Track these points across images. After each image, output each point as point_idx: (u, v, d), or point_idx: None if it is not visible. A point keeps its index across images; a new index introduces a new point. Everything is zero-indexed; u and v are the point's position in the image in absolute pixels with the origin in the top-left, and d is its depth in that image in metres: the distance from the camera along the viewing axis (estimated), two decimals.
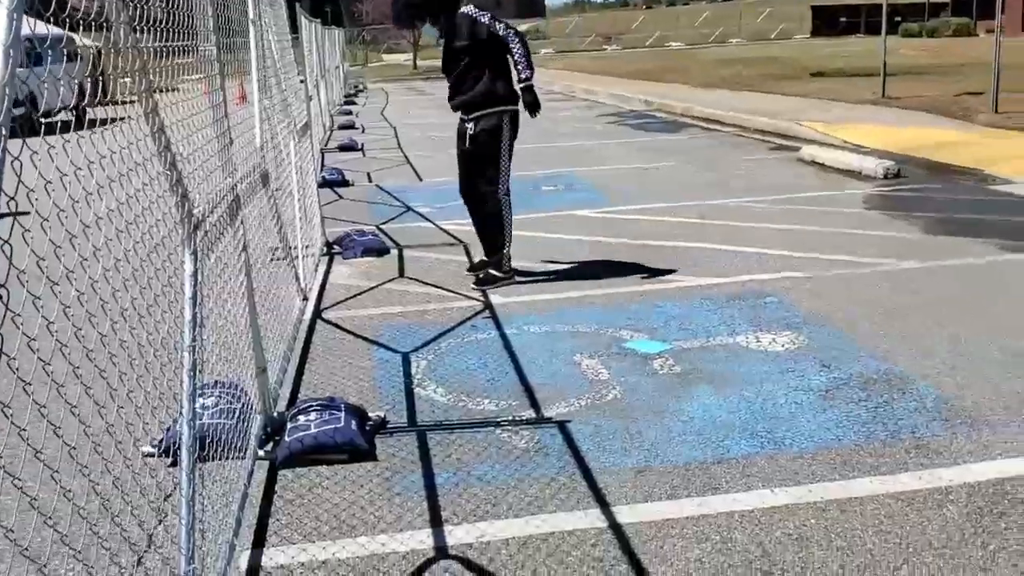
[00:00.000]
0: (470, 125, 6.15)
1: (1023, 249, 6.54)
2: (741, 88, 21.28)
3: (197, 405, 2.71)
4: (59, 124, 2.29)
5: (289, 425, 3.85)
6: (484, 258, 6.40)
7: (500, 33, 5.96)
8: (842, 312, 5.35)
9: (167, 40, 2.93)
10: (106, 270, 2.06)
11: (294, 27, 12.71)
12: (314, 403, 3.98)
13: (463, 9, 6.04)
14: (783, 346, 4.86)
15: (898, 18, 49.81)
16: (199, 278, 2.73)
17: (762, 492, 3.37)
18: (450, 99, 6.29)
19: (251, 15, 5.12)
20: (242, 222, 3.79)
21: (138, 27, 2.46)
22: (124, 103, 2.73)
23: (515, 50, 5.94)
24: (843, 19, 55.54)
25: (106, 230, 2.19)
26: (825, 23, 55.69)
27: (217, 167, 3.46)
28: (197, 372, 2.59)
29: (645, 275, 6.33)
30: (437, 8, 6.16)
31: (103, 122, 2.39)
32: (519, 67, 5.97)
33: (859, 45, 37.36)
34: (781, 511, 3.23)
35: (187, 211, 2.69)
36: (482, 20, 5.97)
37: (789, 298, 5.65)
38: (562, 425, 4.02)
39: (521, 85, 6.05)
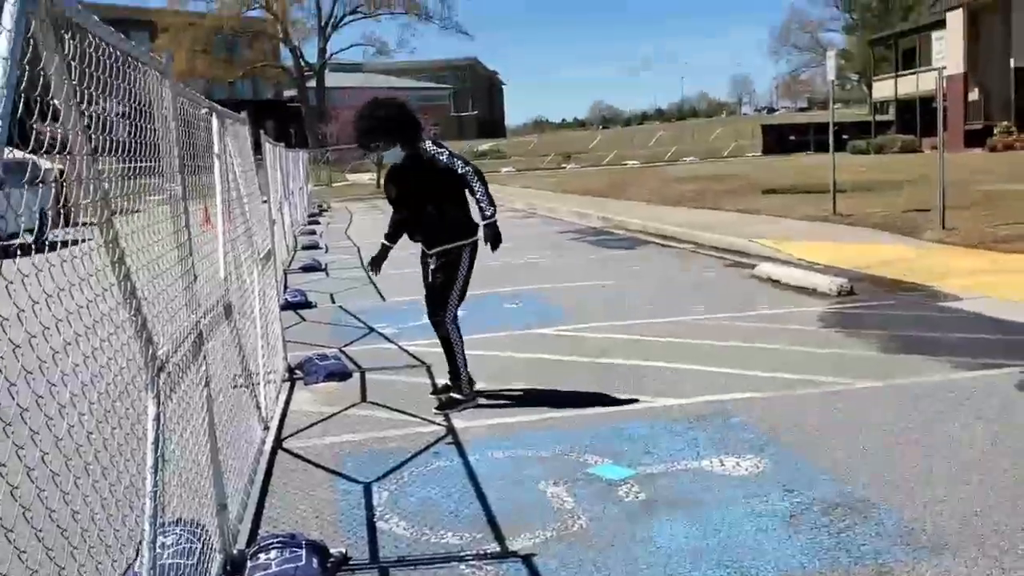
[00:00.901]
0: (432, 259, 6.28)
1: (974, 367, 6.68)
2: (695, 205, 21.83)
3: (157, 545, 2.66)
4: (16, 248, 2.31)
5: (249, 564, 3.77)
6: (447, 382, 6.41)
7: (459, 171, 6.11)
8: (803, 434, 5.40)
9: (131, 163, 2.99)
10: (70, 426, 2.06)
11: (258, 150, 12.95)
12: (275, 540, 3.91)
13: (422, 145, 6.18)
14: (747, 470, 4.88)
15: (845, 136, 51.74)
16: (162, 420, 2.72)
17: None
18: (410, 234, 6.40)
19: (216, 149, 5.23)
20: (204, 357, 3.79)
21: (100, 156, 2.52)
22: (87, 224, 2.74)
23: (476, 189, 6.10)
24: (792, 137, 57.53)
25: (71, 385, 2.19)
26: (775, 141, 57.63)
27: (182, 305, 3.48)
28: (158, 518, 2.55)
29: (607, 396, 6.36)
30: (397, 137, 6.20)
31: (64, 244, 2.43)
32: (481, 205, 6.11)
33: (809, 162, 38.65)
34: None
35: (151, 354, 2.70)
36: (440, 157, 6.12)
37: (751, 419, 5.71)
38: (527, 559, 3.97)
39: (484, 223, 6.16)
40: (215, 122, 5.47)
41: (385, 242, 6.59)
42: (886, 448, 5.09)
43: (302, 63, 71.13)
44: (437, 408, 6.20)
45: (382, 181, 6.21)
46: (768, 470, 4.85)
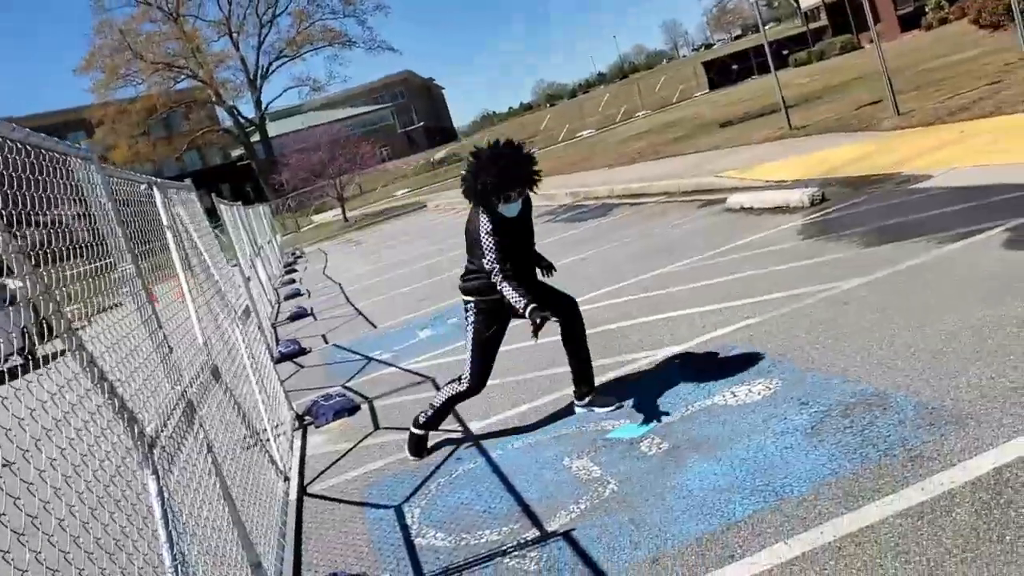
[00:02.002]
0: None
1: (956, 238, 6.69)
2: (657, 156, 21.83)
3: None
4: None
5: None
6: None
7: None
8: (805, 346, 5.41)
9: (95, 261, 2.98)
10: (74, 535, 2.04)
11: (213, 215, 12.91)
12: None
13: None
14: (760, 394, 4.89)
15: (785, 51, 51.81)
16: (166, 495, 2.70)
17: (776, 548, 3.34)
18: (522, 277, 5.19)
19: (165, 222, 5.20)
20: (200, 424, 3.77)
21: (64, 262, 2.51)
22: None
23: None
24: (735, 67, 57.52)
25: (65, 481, 2.17)
26: (719, 75, 57.61)
27: (162, 379, 3.46)
28: None
29: (609, 362, 6.35)
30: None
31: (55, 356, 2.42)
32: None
33: (756, 87, 38.68)
34: (799, 562, 3.20)
35: (138, 433, 2.68)
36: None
37: (753, 346, 5.71)
38: (567, 535, 3.97)
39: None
40: (158, 195, 5.44)
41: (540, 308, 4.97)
42: (889, 339, 5.09)
43: (241, 120, 70.85)
44: (603, 406, 5.50)
45: (490, 230, 5.07)
46: (780, 390, 4.85)
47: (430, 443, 5.69)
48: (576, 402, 5.61)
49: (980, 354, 4.47)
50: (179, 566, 2.55)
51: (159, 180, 5.68)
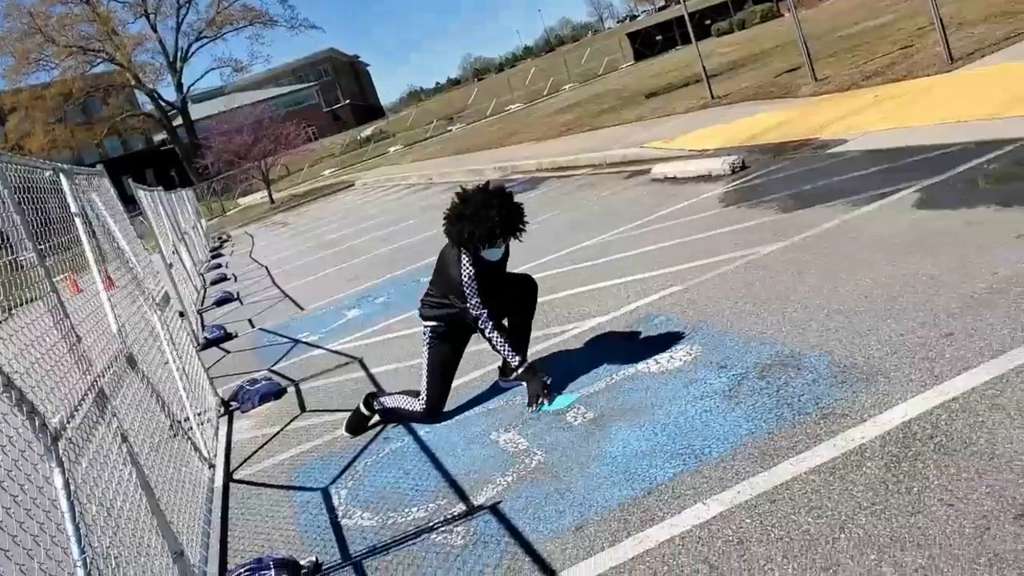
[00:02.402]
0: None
1: (871, 199, 6.85)
2: (584, 129, 21.90)
3: None
4: None
5: None
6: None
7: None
8: (724, 312, 5.49)
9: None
10: None
11: (127, 201, 12.60)
12: (242, 569, 3.85)
13: None
14: (681, 360, 4.95)
15: (707, 21, 52.30)
16: (72, 488, 2.63)
17: (696, 508, 3.40)
18: (498, 319, 5.16)
19: (74, 209, 5.05)
20: (114, 414, 3.68)
21: None
22: None
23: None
24: (659, 38, 57.91)
25: None
26: (644, 46, 57.95)
27: (70, 368, 3.36)
28: None
29: (537, 334, 6.37)
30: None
31: None
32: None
33: (680, 57, 38.99)
34: (717, 521, 3.26)
35: (40, 425, 2.60)
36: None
37: (674, 313, 5.78)
38: (494, 508, 3.98)
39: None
40: (64, 182, 5.27)
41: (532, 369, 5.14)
42: (804, 301, 5.20)
43: (163, 104, 69.09)
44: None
45: (472, 274, 4.99)
46: (700, 355, 4.92)
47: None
48: (501, 380, 5.63)
49: (891, 312, 4.59)
50: (88, 559, 2.49)
51: (65, 167, 5.51)
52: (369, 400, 5.61)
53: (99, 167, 7.28)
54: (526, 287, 5.48)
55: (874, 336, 4.37)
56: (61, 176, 5.32)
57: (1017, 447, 3.10)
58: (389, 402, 5.54)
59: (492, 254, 5.06)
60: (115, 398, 3.89)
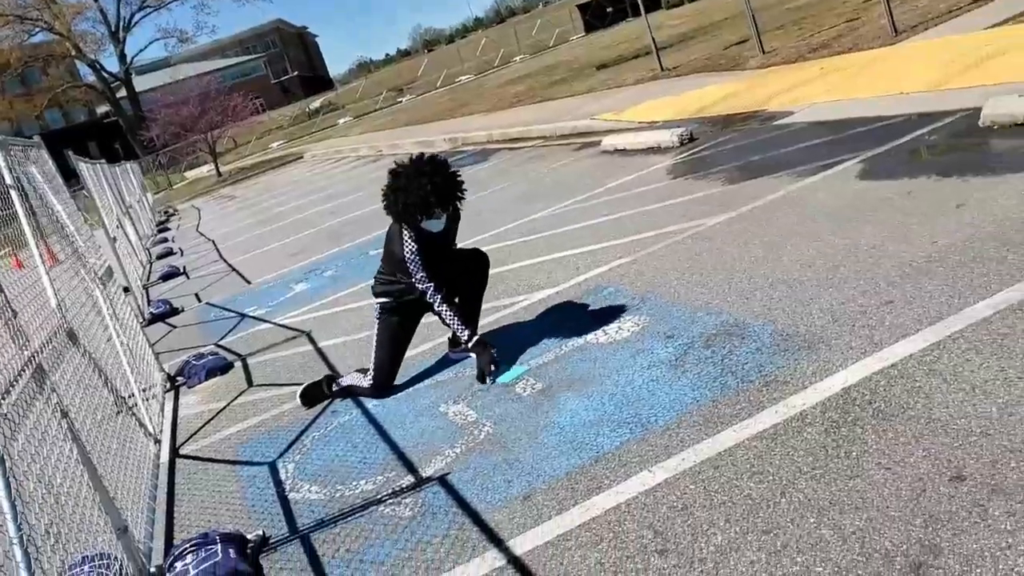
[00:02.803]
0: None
1: (815, 171, 6.93)
2: (535, 100, 21.85)
3: None
4: None
5: None
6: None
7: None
8: (671, 282, 5.53)
9: None
10: None
11: (69, 175, 12.31)
12: (188, 545, 3.82)
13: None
14: (629, 331, 4.98)
15: None
16: (8, 464, 2.58)
17: (641, 476, 3.44)
18: (449, 292, 5.16)
19: (8, 181, 4.92)
20: (53, 390, 3.61)
21: None
22: None
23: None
24: (609, 9, 57.81)
25: None
26: (595, 18, 57.85)
27: (5, 343, 3.29)
28: (33, 563, 2.44)
29: (486, 306, 6.36)
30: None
31: None
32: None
33: (630, 29, 38.99)
34: (662, 488, 3.30)
35: None
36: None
37: (624, 285, 5.81)
38: (442, 480, 3.99)
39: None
40: None
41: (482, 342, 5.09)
42: (749, 271, 5.26)
43: (105, 75, 67.41)
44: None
45: (415, 249, 4.94)
46: (648, 326, 4.96)
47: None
48: (451, 352, 5.62)
49: (832, 281, 4.67)
50: (24, 536, 2.45)
51: (1, 137, 5.36)
52: (329, 382, 5.57)
53: (36, 138, 7.09)
54: (477, 261, 5.47)
55: (816, 305, 4.44)
56: None
57: (952, 411, 3.17)
58: (344, 381, 5.53)
59: (432, 225, 4.98)
60: (54, 374, 3.81)
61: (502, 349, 5.31)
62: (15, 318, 3.53)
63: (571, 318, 5.54)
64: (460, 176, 5.04)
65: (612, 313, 5.35)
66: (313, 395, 5.57)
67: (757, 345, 4.21)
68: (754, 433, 3.44)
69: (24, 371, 3.25)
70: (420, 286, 5.00)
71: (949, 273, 4.29)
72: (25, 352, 3.45)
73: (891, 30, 11.50)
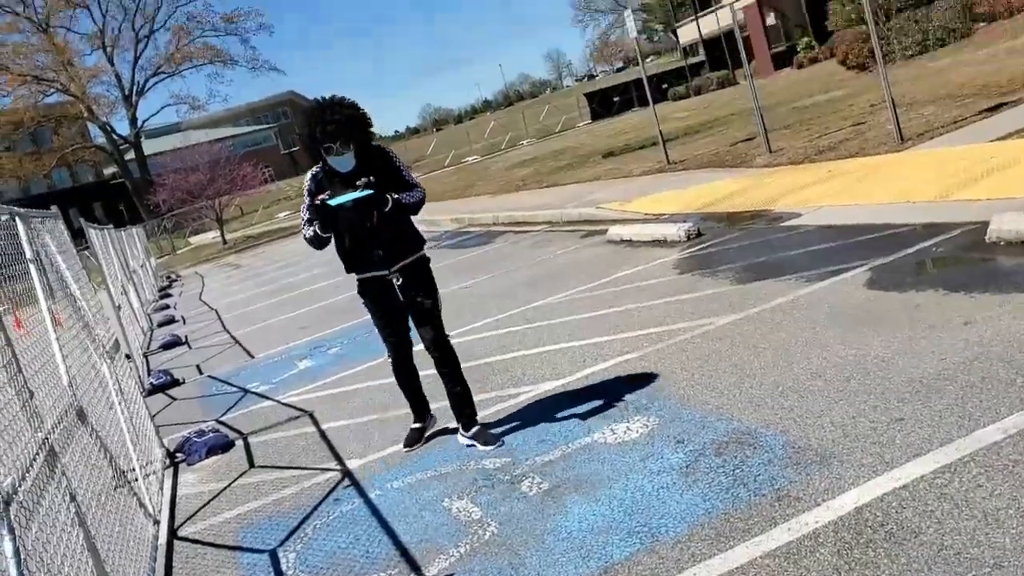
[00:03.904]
0: (397, 277, 5.37)
1: (823, 276, 7.00)
2: (541, 185, 22.12)
3: None
4: None
5: None
6: (464, 423, 5.61)
7: (411, 182, 5.44)
8: (680, 383, 5.55)
9: None
10: None
11: (82, 236, 12.40)
12: None
13: (375, 143, 5.39)
14: (638, 432, 4.98)
15: (665, 85, 53.40)
16: (23, 555, 2.56)
17: None
18: (358, 255, 5.37)
19: (29, 255, 4.96)
20: (63, 472, 3.60)
21: None
22: None
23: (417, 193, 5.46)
24: (616, 99, 58.92)
25: None
26: (601, 106, 58.93)
27: (23, 427, 3.29)
28: None
29: (489, 395, 6.37)
30: (359, 137, 5.19)
31: None
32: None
33: (637, 119, 39.69)
34: None
35: None
36: (395, 157, 5.47)
37: (631, 382, 5.82)
38: None
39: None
40: (20, 227, 5.19)
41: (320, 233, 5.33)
42: (759, 376, 5.28)
43: (115, 138, 68.27)
44: (485, 444, 5.43)
45: (309, 190, 5.32)
46: (657, 428, 4.95)
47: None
48: (461, 433, 5.61)
49: (843, 393, 4.68)
50: None
51: (22, 211, 5.42)
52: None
53: (54, 208, 7.18)
54: (427, 339, 5.55)
55: (827, 417, 4.45)
56: (17, 220, 5.24)
57: (965, 539, 3.16)
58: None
59: (339, 163, 5.17)
60: (64, 455, 3.80)
61: (506, 444, 5.30)
62: (31, 399, 3.54)
63: (577, 414, 5.53)
64: (357, 106, 5.25)
65: (620, 411, 5.35)
66: (412, 437, 5.82)
67: (769, 456, 4.20)
68: (766, 551, 3.42)
69: (38, 455, 3.24)
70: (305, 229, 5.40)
71: (958, 392, 4.31)
72: (39, 434, 3.45)
73: (897, 137, 11.73)
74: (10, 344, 3.49)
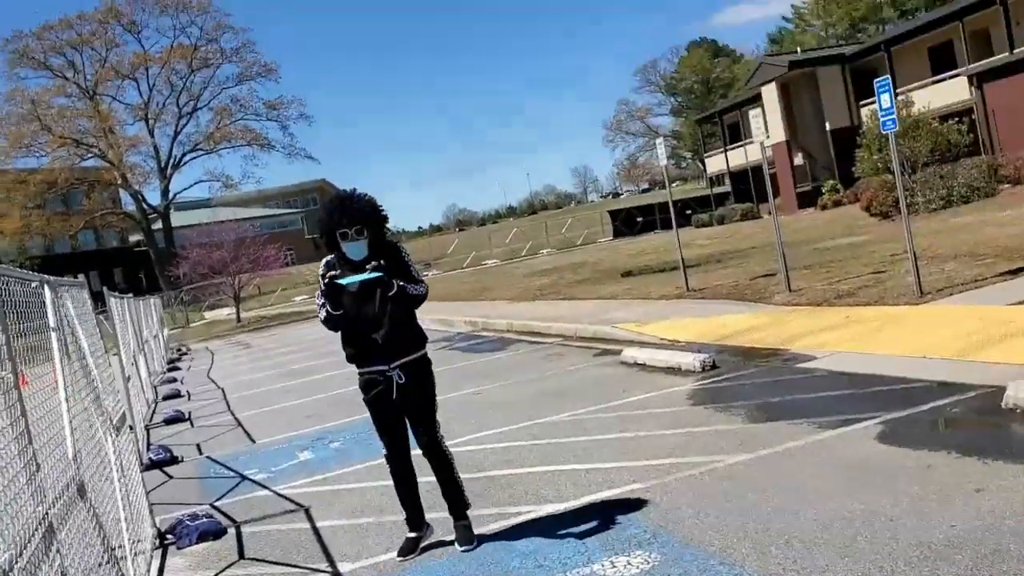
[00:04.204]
0: (397, 374, 5.53)
1: (835, 424, 6.96)
2: (558, 297, 22.25)
3: None
4: None
5: None
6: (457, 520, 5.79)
7: (412, 272, 5.67)
8: (685, 520, 5.46)
9: None
10: None
11: (100, 300, 12.50)
12: None
13: (388, 239, 5.74)
14: (638, 567, 4.89)
15: (689, 211, 54.18)
16: None
17: None
18: (363, 349, 5.55)
19: (52, 324, 5.02)
20: (58, 551, 3.56)
21: None
22: None
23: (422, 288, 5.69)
24: (639, 219, 59.72)
25: None
26: (624, 224, 59.70)
27: (26, 501, 3.27)
28: None
29: (491, 512, 6.29)
30: (374, 229, 5.53)
31: None
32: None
33: (658, 241, 40.12)
34: None
35: None
36: (405, 252, 5.72)
37: (635, 513, 5.73)
38: None
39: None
40: (48, 294, 5.26)
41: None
42: (766, 522, 5.20)
43: (145, 207, 69.52)
44: (466, 548, 5.59)
45: (322, 273, 5.63)
46: (658, 565, 4.86)
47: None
48: (459, 546, 5.63)
49: (850, 550, 4.60)
50: None
51: (51, 279, 5.50)
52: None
53: (80, 278, 7.28)
54: (422, 444, 5.73)
55: (831, 574, 4.36)
56: (46, 288, 5.32)
57: None
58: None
59: (351, 251, 5.50)
60: (61, 531, 3.76)
61: (504, 563, 5.21)
62: (38, 471, 3.53)
63: (578, 541, 5.43)
64: (371, 199, 5.60)
65: (621, 543, 5.26)
66: (408, 547, 5.73)
67: None
68: None
69: (37, 530, 3.22)
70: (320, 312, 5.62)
71: (968, 563, 4.23)
72: (40, 508, 3.43)
73: (917, 289, 11.79)
74: (24, 415, 3.50)
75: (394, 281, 5.47)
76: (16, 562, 2.79)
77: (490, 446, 8.24)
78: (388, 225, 5.74)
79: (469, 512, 5.84)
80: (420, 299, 5.66)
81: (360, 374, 5.69)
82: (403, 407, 5.65)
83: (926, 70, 41.88)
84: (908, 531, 4.71)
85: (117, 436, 6.37)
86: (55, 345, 4.98)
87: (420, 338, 5.75)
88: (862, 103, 43.44)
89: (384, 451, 5.86)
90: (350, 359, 5.71)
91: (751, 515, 5.35)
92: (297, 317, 37.09)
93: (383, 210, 5.64)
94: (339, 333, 5.72)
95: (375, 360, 5.56)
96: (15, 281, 4.41)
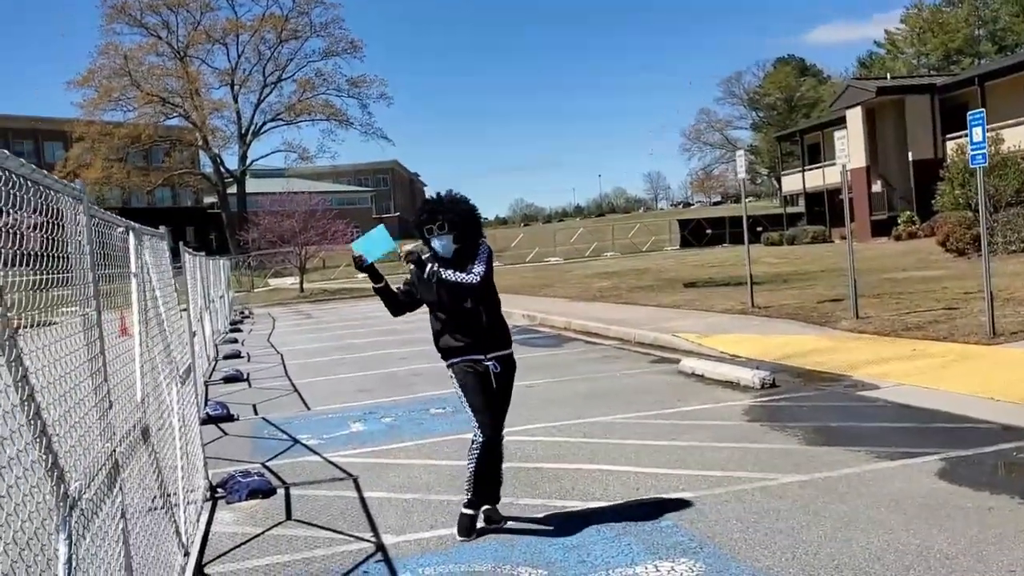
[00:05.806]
0: (493, 364, 5.71)
1: (894, 456, 6.82)
2: (619, 300, 22.15)
3: None
4: None
5: None
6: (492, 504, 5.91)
7: (477, 259, 5.76)
8: (733, 534, 5.41)
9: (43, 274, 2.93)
10: None
11: (177, 258, 12.78)
12: None
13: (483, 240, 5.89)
14: (682, 575, 4.85)
15: (759, 228, 53.45)
16: (73, 563, 2.60)
17: None
18: (465, 336, 5.68)
19: (133, 268, 5.14)
20: (120, 488, 3.65)
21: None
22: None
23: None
24: (708, 231, 59.11)
25: None
26: (692, 235, 59.14)
27: (97, 435, 3.36)
28: None
29: (536, 503, 6.29)
30: (463, 231, 5.73)
31: None
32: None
33: (725, 255, 39.66)
34: None
35: (63, 492, 2.59)
36: (484, 243, 5.85)
37: (683, 521, 5.69)
38: None
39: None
40: (132, 240, 5.40)
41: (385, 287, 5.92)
42: (816, 546, 5.12)
43: (222, 170, 70.83)
44: (489, 521, 5.80)
45: (417, 262, 5.71)
46: (703, 575, 4.82)
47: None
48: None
49: (894, 573, 4.51)
50: None
51: (136, 225, 5.65)
52: (464, 501, 5.76)
53: (162, 229, 7.44)
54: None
55: None
56: (131, 234, 5.46)
57: None
58: (468, 478, 5.72)
59: (438, 246, 5.68)
60: (124, 469, 3.87)
61: (547, 555, 5.21)
62: (110, 409, 3.62)
63: (622, 541, 5.42)
64: (465, 201, 5.80)
65: (667, 549, 5.23)
66: (467, 526, 5.69)
67: None
68: None
69: (104, 466, 3.31)
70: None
71: None
72: (108, 444, 3.52)
73: (990, 330, 11.49)
74: (103, 353, 3.60)
75: (434, 267, 5.64)
76: (84, 492, 2.87)
77: (540, 439, 8.24)
78: (478, 227, 5.96)
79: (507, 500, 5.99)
80: (460, 286, 5.64)
81: (453, 365, 5.79)
82: (497, 394, 5.76)
83: (1021, 109, 40.70)
84: (963, 571, 4.60)
85: (181, 387, 6.52)
86: (134, 291, 5.10)
87: (509, 337, 5.96)
88: (948, 136, 42.38)
89: (479, 433, 5.65)
90: (444, 351, 5.83)
91: (801, 537, 5.27)
92: (359, 293, 37.47)
93: (475, 211, 5.89)
94: (431, 323, 5.88)
95: (469, 351, 5.71)
96: (104, 224, 4.53)
